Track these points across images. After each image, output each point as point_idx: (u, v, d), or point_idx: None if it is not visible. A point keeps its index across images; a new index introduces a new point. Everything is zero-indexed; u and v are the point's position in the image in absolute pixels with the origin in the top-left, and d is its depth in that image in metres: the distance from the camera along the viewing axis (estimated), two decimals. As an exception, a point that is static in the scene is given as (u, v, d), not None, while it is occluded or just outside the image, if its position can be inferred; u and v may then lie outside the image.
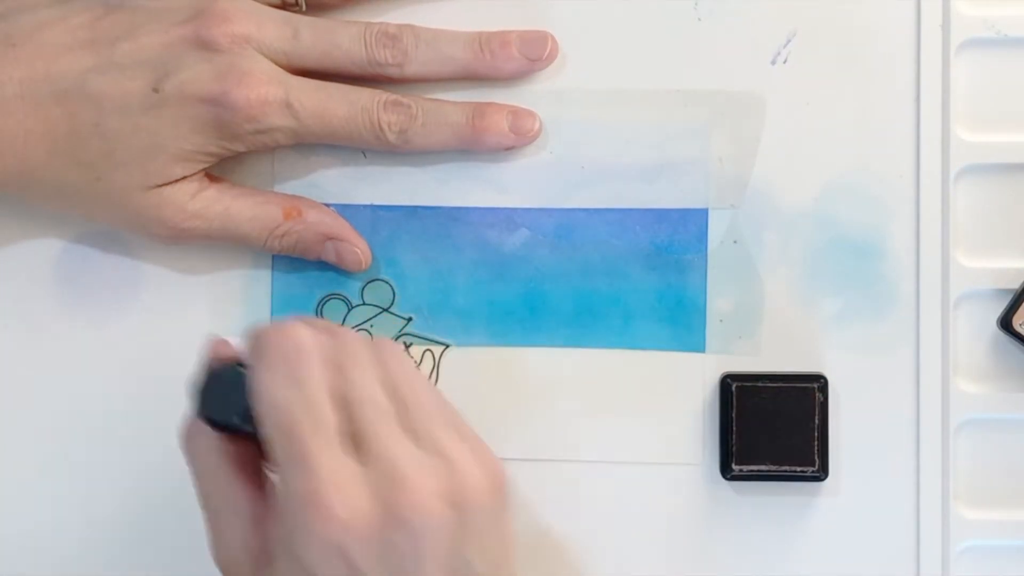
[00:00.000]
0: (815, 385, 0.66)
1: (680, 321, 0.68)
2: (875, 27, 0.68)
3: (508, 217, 0.68)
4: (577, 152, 0.68)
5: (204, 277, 0.69)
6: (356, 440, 0.55)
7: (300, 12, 0.66)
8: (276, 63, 0.65)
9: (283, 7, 0.66)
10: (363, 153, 0.68)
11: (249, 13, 0.64)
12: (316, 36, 0.65)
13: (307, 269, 0.68)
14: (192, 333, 0.69)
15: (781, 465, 0.66)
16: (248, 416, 0.56)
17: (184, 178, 0.64)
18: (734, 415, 0.66)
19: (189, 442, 0.59)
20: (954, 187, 0.67)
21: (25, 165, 0.63)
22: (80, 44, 0.64)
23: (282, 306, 0.69)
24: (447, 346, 0.68)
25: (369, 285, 0.69)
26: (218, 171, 0.66)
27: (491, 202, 0.68)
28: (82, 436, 0.69)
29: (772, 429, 0.66)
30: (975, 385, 0.67)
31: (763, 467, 0.66)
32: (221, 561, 0.58)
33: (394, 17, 0.68)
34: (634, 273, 0.68)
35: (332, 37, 0.65)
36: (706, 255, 0.68)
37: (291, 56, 0.65)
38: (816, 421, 0.66)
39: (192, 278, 0.69)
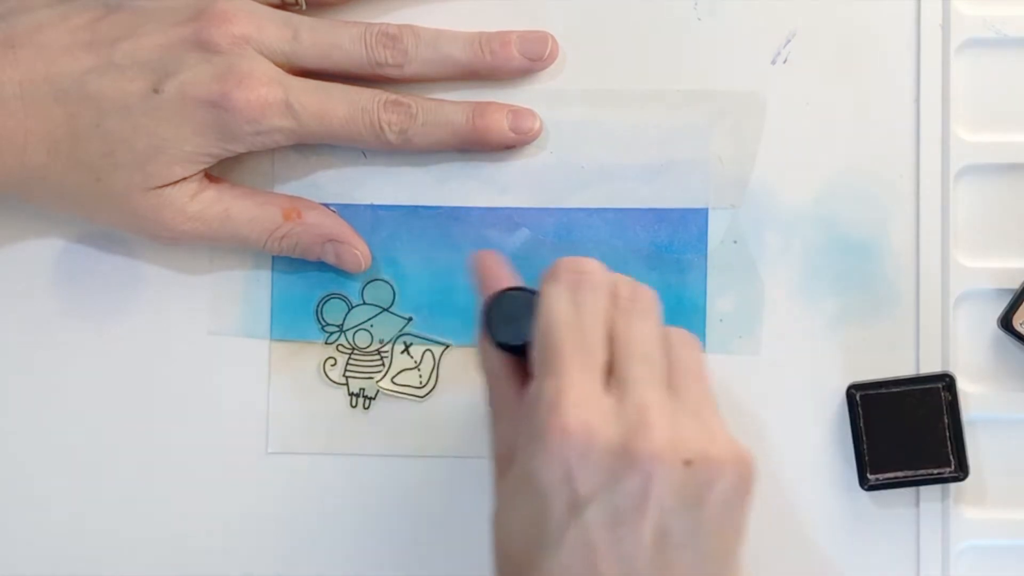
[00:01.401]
0: (940, 385, 0.65)
1: (680, 321, 0.68)
2: (875, 27, 0.68)
3: (508, 217, 0.68)
4: (577, 152, 0.68)
5: (204, 277, 0.69)
6: (616, 379, 0.56)
7: (300, 12, 0.66)
8: (276, 64, 0.65)
9: (283, 7, 0.66)
10: (363, 153, 0.68)
11: (249, 14, 0.64)
12: (316, 37, 0.65)
13: (307, 269, 0.68)
14: (192, 333, 0.69)
15: (917, 470, 0.65)
16: (526, 339, 0.58)
17: (184, 179, 0.64)
18: (862, 425, 0.65)
19: (480, 351, 0.60)
20: (954, 187, 0.67)
21: (25, 166, 0.63)
22: (80, 45, 0.64)
23: (282, 306, 0.69)
24: (447, 346, 0.68)
25: (369, 285, 0.69)
26: (218, 171, 0.66)
27: (491, 202, 0.68)
28: (82, 436, 0.69)
29: (903, 434, 0.65)
30: (975, 385, 0.67)
31: (899, 474, 0.65)
32: (494, 457, 0.59)
33: (394, 17, 0.68)
34: (634, 273, 0.67)
35: (332, 38, 0.65)
36: (706, 255, 0.68)
37: (291, 57, 0.65)
38: (947, 421, 0.65)
39: (192, 278, 0.69)
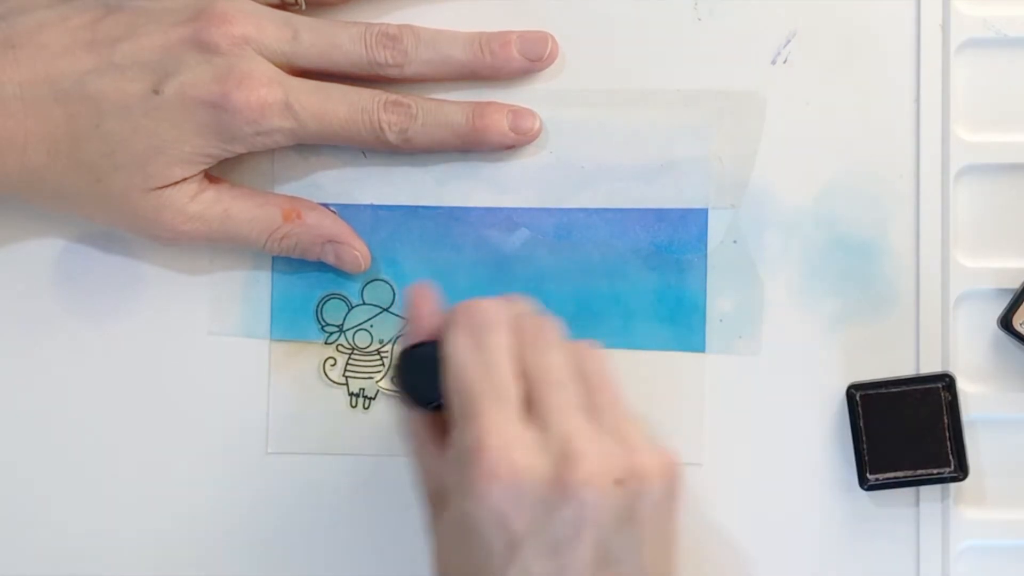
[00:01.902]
0: (940, 385, 0.65)
1: (680, 321, 0.68)
2: (875, 27, 0.68)
3: (508, 217, 0.68)
4: (577, 152, 0.68)
5: (204, 277, 0.69)
6: (534, 412, 0.56)
7: (300, 12, 0.66)
8: (276, 64, 0.64)
9: (282, 7, 0.66)
10: (363, 153, 0.68)
11: (249, 14, 0.64)
12: (316, 37, 0.65)
13: (307, 269, 0.68)
14: (192, 333, 0.69)
15: (917, 470, 0.65)
16: (436, 395, 0.58)
17: (184, 180, 0.64)
18: (862, 425, 0.65)
19: (400, 406, 0.61)
20: (954, 187, 0.67)
21: (25, 167, 0.63)
22: (80, 45, 0.64)
23: (282, 306, 0.69)
24: (447, 346, 0.68)
25: (369, 285, 0.69)
26: (218, 171, 0.66)
27: (491, 202, 0.68)
28: (82, 436, 0.69)
29: (903, 434, 0.65)
30: (975, 385, 0.67)
31: (899, 474, 0.65)
32: (425, 496, 0.60)
33: (394, 17, 0.68)
34: (634, 273, 0.68)
35: (332, 38, 0.65)
36: (706, 255, 0.68)
37: (291, 57, 0.65)
38: (947, 421, 0.65)
39: (192, 278, 0.69)
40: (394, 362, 0.59)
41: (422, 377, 0.59)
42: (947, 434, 0.65)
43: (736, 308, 0.68)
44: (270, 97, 0.64)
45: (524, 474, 0.54)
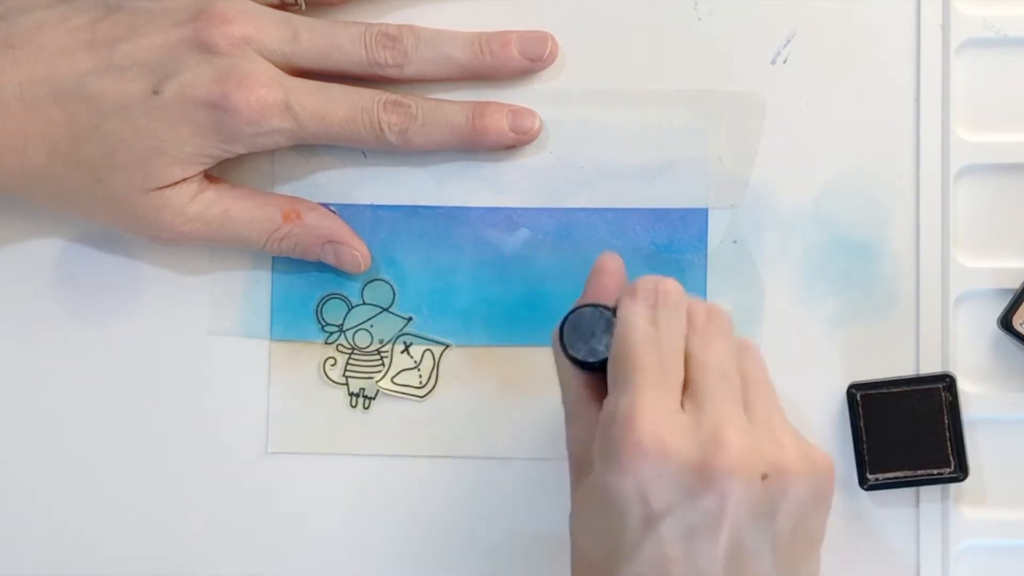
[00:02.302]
0: (941, 385, 0.65)
1: (680, 321, 0.68)
2: (875, 27, 0.68)
3: (508, 217, 0.68)
4: (577, 152, 0.68)
5: (204, 277, 0.69)
6: (691, 397, 0.56)
7: (299, 12, 0.66)
8: (275, 64, 0.65)
9: (282, 7, 0.66)
10: (363, 153, 0.68)
11: (249, 15, 0.64)
12: (316, 37, 0.65)
13: (307, 269, 0.68)
14: (192, 333, 0.69)
15: (917, 470, 0.65)
16: (599, 356, 0.58)
17: (184, 180, 0.64)
18: (862, 424, 0.65)
19: (557, 359, 0.60)
20: (954, 187, 0.67)
21: (25, 167, 0.63)
22: (80, 46, 0.64)
23: (282, 306, 0.69)
24: (447, 346, 0.68)
25: (369, 285, 0.69)
26: (218, 172, 0.66)
27: (491, 202, 0.68)
28: (82, 436, 0.69)
29: (903, 434, 0.65)
30: (975, 385, 0.67)
31: (899, 474, 0.65)
32: (569, 456, 0.59)
33: (394, 17, 0.68)
34: (634, 273, 0.68)
35: (332, 38, 0.65)
36: (706, 255, 0.68)
37: (291, 57, 0.65)
38: (947, 421, 0.65)
39: (192, 278, 0.69)
40: (564, 317, 0.59)
41: (583, 337, 0.59)
42: (947, 434, 0.65)
43: (736, 308, 0.68)
44: (270, 98, 0.64)
45: (671, 454, 0.54)
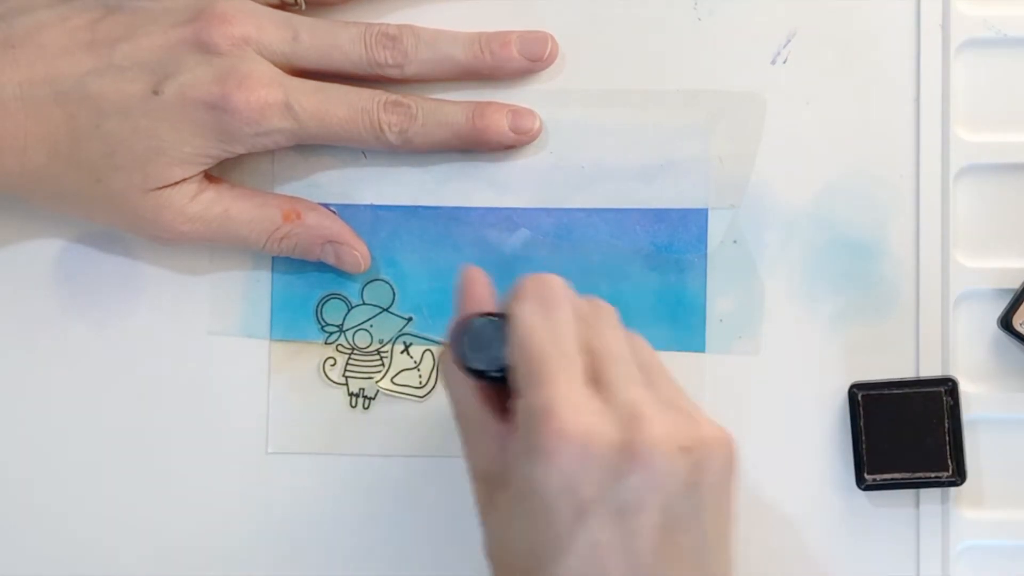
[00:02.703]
0: (943, 388, 0.65)
1: (680, 321, 0.68)
2: (875, 27, 0.68)
3: (508, 217, 0.68)
4: (577, 152, 0.68)
5: (204, 277, 0.69)
6: (600, 384, 0.56)
7: (299, 12, 0.66)
8: (275, 65, 0.64)
9: (282, 7, 0.66)
10: (363, 153, 0.68)
11: (249, 15, 0.64)
12: (316, 37, 0.65)
13: (307, 269, 0.68)
14: (192, 333, 0.69)
15: (915, 472, 0.65)
16: (499, 364, 0.58)
17: (184, 180, 0.64)
18: (862, 424, 0.65)
19: (446, 376, 0.60)
20: (954, 187, 0.67)
21: (25, 167, 0.63)
22: (79, 46, 0.64)
23: (282, 306, 0.69)
24: (447, 346, 0.68)
25: (369, 285, 0.69)
26: (218, 171, 0.66)
27: (491, 202, 0.68)
28: (82, 436, 0.69)
29: (903, 436, 0.65)
30: (975, 385, 0.67)
31: (897, 475, 0.65)
32: (473, 472, 0.59)
33: (394, 17, 0.68)
34: (634, 273, 0.68)
35: (332, 38, 0.65)
36: (706, 255, 0.68)
37: (291, 58, 0.65)
38: (947, 425, 0.65)
39: (192, 278, 0.69)
40: (451, 332, 0.59)
41: (481, 347, 0.58)
42: (947, 438, 0.65)
43: (736, 308, 0.68)
44: (270, 98, 0.64)
45: (594, 437, 0.54)
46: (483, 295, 0.60)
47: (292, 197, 0.68)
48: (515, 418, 0.56)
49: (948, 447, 0.65)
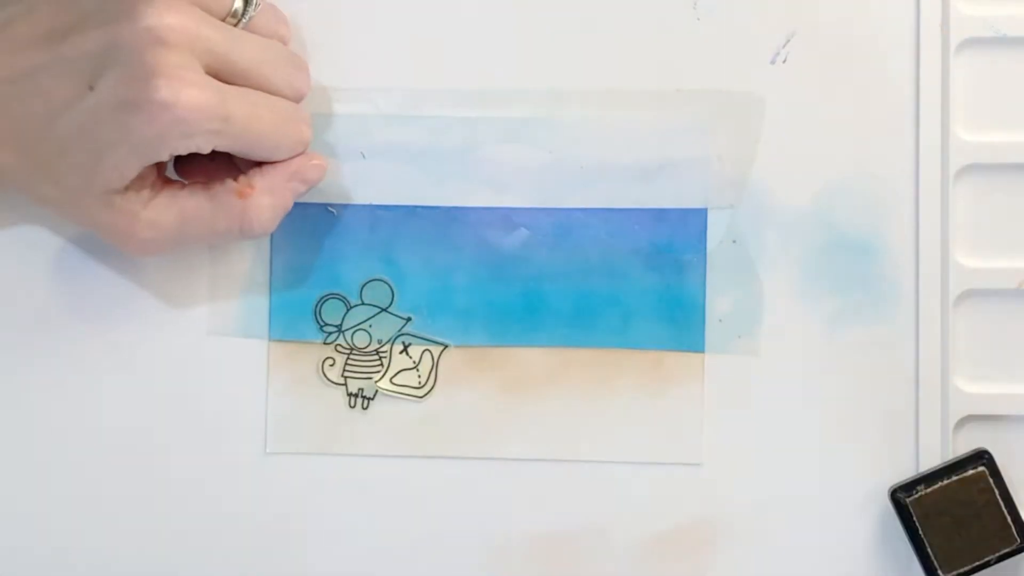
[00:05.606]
0: (981, 465, 0.65)
1: (679, 321, 0.68)
2: (875, 27, 0.68)
3: (507, 217, 0.68)
4: (576, 152, 0.68)
5: (203, 277, 0.69)
6: None
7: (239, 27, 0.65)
8: (208, 71, 0.62)
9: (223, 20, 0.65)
10: (362, 153, 0.69)
11: (187, 16, 0.61)
12: (250, 50, 0.63)
13: (306, 269, 0.68)
14: (191, 333, 0.69)
15: (985, 556, 0.64)
16: None
17: (134, 184, 0.62)
18: (921, 531, 0.64)
19: None
20: (954, 187, 0.67)
21: (3, 166, 0.62)
22: (38, 39, 0.62)
23: (282, 306, 0.69)
24: (446, 346, 0.68)
25: (368, 284, 0.69)
26: (202, 173, 0.66)
27: (490, 202, 0.68)
28: (81, 436, 0.69)
29: (961, 526, 0.64)
30: (975, 385, 0.67)
31: (968, 567, 0.64)
32: None
33: (395, 17, 0.68)
34: (633, 273, 0.68)
35: (262, 53, 0.64)
36: (705, 255, 0.68)
37: (224, 64, 0.63)
38: (999, 500, 0.64)
39: (191, 278, 0.69)
40: None
41: None
42: (1004, 511, 0.65)
43: (735, 308, 0.68)
44: (201, 100, 0.61)
45: None
46: None
47: (241, 174, 0.65)
48: None
49: (1008, 517, 0.64)
